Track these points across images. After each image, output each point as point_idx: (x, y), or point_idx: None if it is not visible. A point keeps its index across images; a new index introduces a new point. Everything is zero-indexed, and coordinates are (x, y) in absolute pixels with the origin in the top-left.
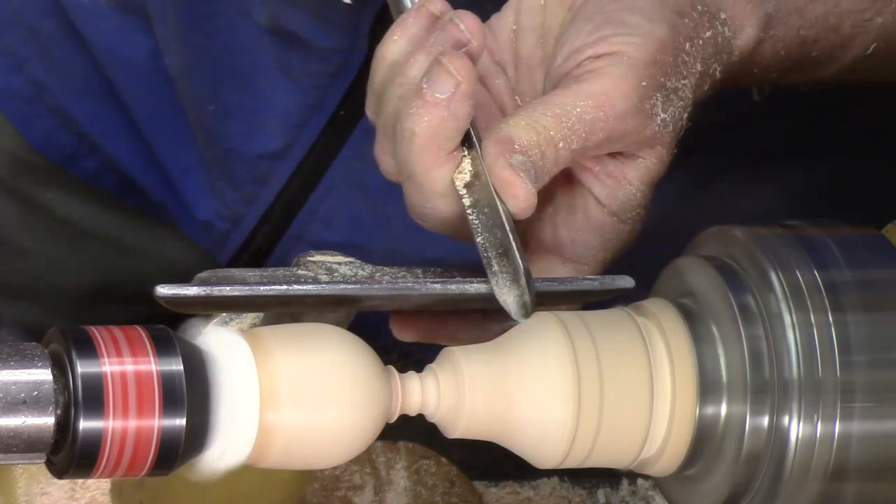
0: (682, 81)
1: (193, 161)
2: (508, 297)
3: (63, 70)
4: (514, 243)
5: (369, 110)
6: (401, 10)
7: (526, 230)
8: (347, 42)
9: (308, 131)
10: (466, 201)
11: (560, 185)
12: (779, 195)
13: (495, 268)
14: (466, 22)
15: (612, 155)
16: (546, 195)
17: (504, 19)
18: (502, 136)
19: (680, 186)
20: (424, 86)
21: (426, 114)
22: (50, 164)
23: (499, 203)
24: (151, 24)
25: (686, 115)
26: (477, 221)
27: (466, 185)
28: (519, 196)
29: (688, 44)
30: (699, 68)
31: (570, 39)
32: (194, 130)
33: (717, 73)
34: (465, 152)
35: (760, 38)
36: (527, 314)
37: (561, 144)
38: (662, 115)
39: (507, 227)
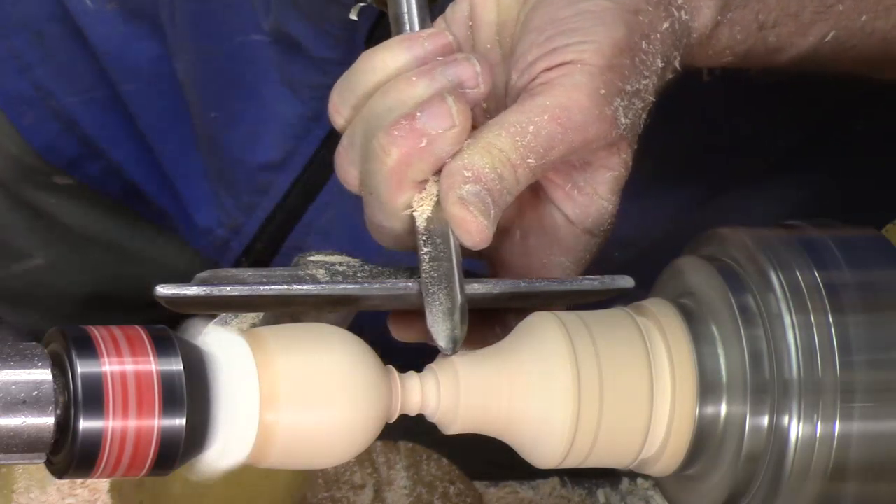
0: (643, 82)
1: (196, 168)
2: (439, 329)
3: (68, 75)
4: (456, 277)
5: (339, 112)
6: (401, 27)
7: (494, 255)
8: (346, 53)
9: (308, 143)
10: (421, 228)
11: (528, 209)
12: (779, 209)
13: (434, 296)
14: (481, 65)
15: (580, 168)
16: (514, 220)
17: (459, 13)
18: (454, 166)
19: (683, 199)
20: (419, 113)
21: (409, 139)
22: (53, 168)
23: (451, 235)
24: (157, 30)
25: (645, 114)
26: (425, 250)
27: (424, 212)
28: (471, 231)
29: (644, 42)
30: (660, 64)
31: (523, 53)
32: (197, 138)
33: (677, 60)
34: (430, 177)
35: (718, 21)
36: (455, 349)
37: (518, 164)
38: (625, 121)
39: (454, 260)
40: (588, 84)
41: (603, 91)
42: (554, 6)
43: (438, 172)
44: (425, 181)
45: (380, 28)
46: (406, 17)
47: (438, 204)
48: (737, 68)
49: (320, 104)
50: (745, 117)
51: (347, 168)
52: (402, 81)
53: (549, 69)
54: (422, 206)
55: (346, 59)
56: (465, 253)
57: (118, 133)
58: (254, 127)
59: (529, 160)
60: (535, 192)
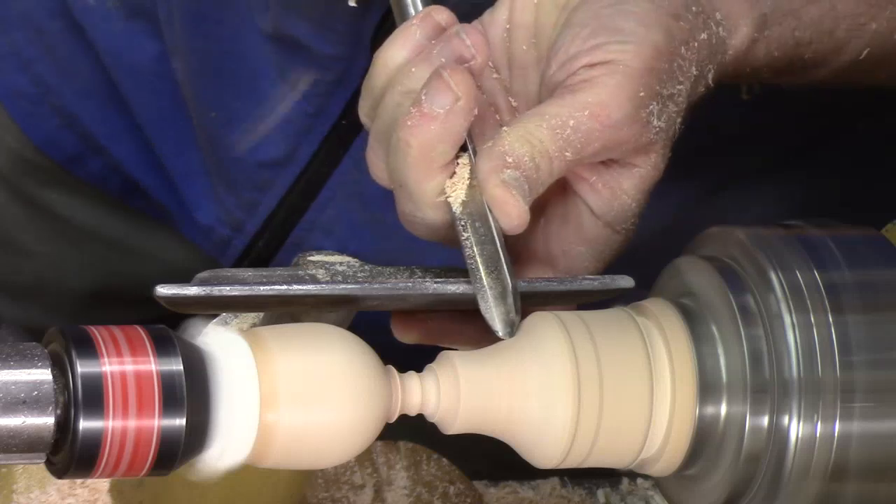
0: (678, 87)
1: (196, 166)
2: (495, 314)
3: (69, 71)
4: (503, 260)
5: (363, 114)
6: (405, 16)
7: (517, 242)
8: (349, 50)
9: (309, 140)
10: (458, 213)
11: (553, 196)
12: (786, 201)
13: (484, 283)
14: (472, 37)
15: (607, 164)
16: (539, 207)
17: (497, 16)
18: (495, 150)
19: (683, 197)
20: (423, 97)
21: (422, 125)
22: (54, 164)
23: (491, 219)
24: (158, 28)
25: (680, 119)
26: (466, 235)
27: (458, 197)
28: (511, 213)
29: (683, 48)
30: (694, 72)
31: (564, 46)
32: (198, 136)
33: (712, 74)
34: (460, 161)
35: (755, 38)
36: (512, 332)
37: (556, 156)
38: (658, 123)
39: (498, 243)
40: (628, 85)
41: (642, 93)
42: (596, 5)
43: (462, 151)
44: (451, 163)
45: (388, 22)
46: (409, 4)
47: (472, 188)
48: (773, 84)
49: (322, 100)
50: (745, 116)
51: (377, 165)
52: (404, 74)
53: (591, 66)
54: (455, 190)
55: (351, 55)
56: None
57: (118, 130)
58: (254, 125)
59: (567, 153)
60: (560, 182)
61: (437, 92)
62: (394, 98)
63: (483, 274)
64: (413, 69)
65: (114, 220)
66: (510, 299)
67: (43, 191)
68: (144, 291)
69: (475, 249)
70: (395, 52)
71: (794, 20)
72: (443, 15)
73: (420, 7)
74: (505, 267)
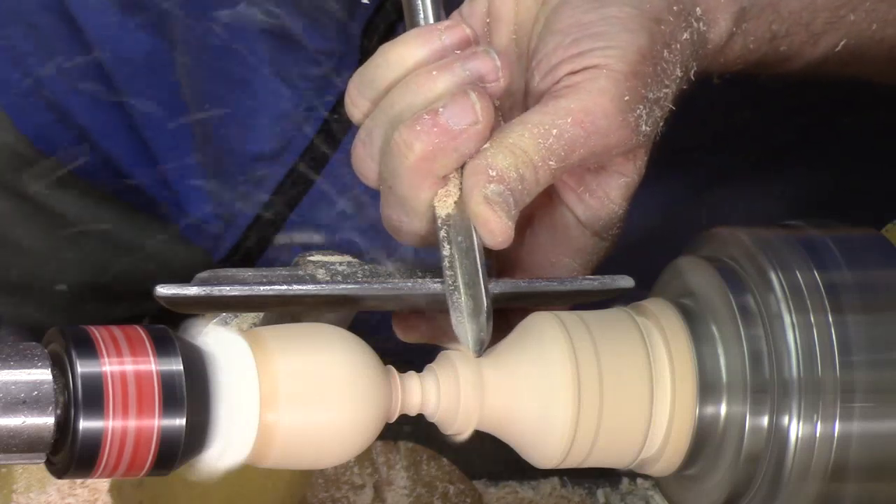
0: (664, 91)
1: (190, 161)
2: (466, 330)
3: (62, 66)
4: (482, 278)
5: (356, 106)
6: (415, 17)
7: (502, 252)
8: (341, 45)
9: (302, 134)
10: (441, 225)
11: (540, 207)
12: (778, 199)
13: (459, 298)
14: (502, 60)
15: (594, 173)
16: (525, 218)
17: (478, 8)
18: (479, 164)
19: (681, 190)
20: (441, 108)
21: (432, 135)
22: (46, 159)
23: (474, 234)
24: (152, 22)
25: (662, 123)
26: (447, 247)
27: (445, 208)
28: (495, 231)
29: (665, 51)
30: (679, 74)
31: (546, 56)
32: (192, 130)
33: (693, 71)
34: (453, 173)
35: (733, 32)
36: (480, 351)
37: (540, 165)
38: (645, 129)
39: (478, 261)
40: (613, 89)
41: (627, 97)
42: (578, 10)
43: (460, 169)
44: (447, 177)
45: (377, 19)
46: (420, 5)
47: (460, 202)
48: (744, 74)
49: (315, 95)
50: (736, 114)
51: (365, 162)
52: (422, 75)
53: (574, 72)
54: (441, 202)
55: (342, 50)
56: None
57: (111, 124)
58: (248, 119)
59: (550, 162)
60: (547, 192)
61: (459, 108)
62: (405, 97)
63: (462, 289)
64: (434, 72)
65: (106, 214)
66: (483, 318)
67: (35, 185)
68: (137, 286)
69: (456, 264)
70: (414, 51)
71: (772, 13)
72: (471, 30)
73: (430, 12)
74: (482, 285)
